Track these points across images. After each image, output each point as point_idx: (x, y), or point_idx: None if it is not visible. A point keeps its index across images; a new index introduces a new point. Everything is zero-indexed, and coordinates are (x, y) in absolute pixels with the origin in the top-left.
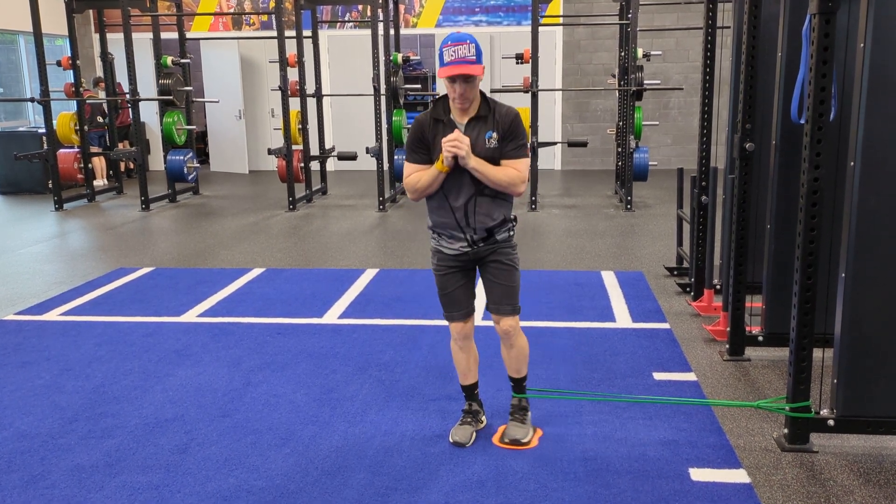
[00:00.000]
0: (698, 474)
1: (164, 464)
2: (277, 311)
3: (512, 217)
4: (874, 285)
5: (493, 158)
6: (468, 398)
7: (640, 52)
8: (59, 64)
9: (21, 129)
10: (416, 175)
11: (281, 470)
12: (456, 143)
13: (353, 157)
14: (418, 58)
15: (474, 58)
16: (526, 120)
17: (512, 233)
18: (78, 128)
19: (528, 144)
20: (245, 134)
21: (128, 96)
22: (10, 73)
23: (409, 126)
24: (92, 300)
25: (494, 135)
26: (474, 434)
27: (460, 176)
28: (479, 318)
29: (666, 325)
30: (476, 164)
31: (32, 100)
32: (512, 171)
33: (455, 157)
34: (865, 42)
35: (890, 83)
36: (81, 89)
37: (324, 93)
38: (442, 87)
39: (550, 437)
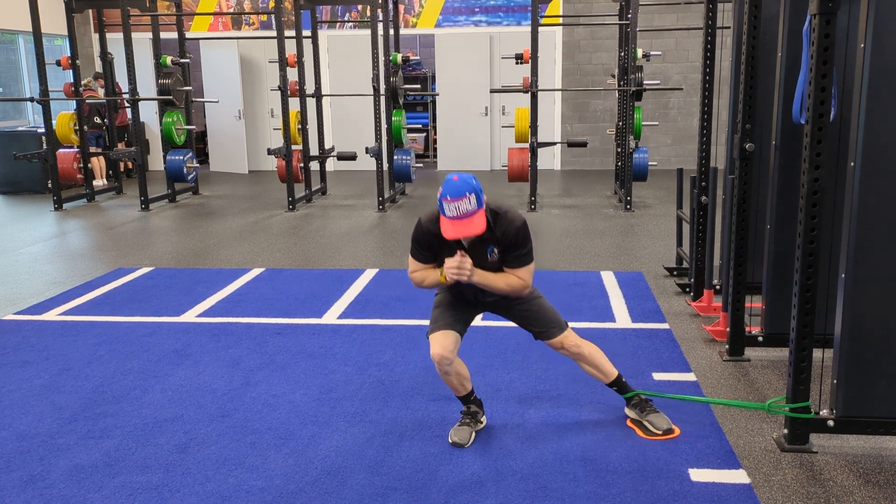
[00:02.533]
0: (698, 475)
1: (163, 464)
2: (277, 311)
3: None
4: (874, 286)
5: (498, 268)
6: (465, 403)
7: (639, 53)
8: (58, 64)
9: (20, 128)
10: (421, 274)
11: (280, 470)
12: (458, 272)
13: (352, 158)
14: (418, 58)
15: (475, 209)
16: (526, 120)
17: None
18: (77, 128)
19: (532, 250)
20: (244, 134)
21: (127, 96)
22: (9, 72)
23: (413, 234)
24: (91, 300)
25: (496, 250)
26: (473, 434)
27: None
28: (477, 319)
29: (665, 326)
30: (480, 279)
31: (32, 99)
32: (514, 280)
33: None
34: (866, 42)
35: (890, 83)
36: (81, 88)
37: (323, 93)
38: (441, 88)
39: (550, 436)
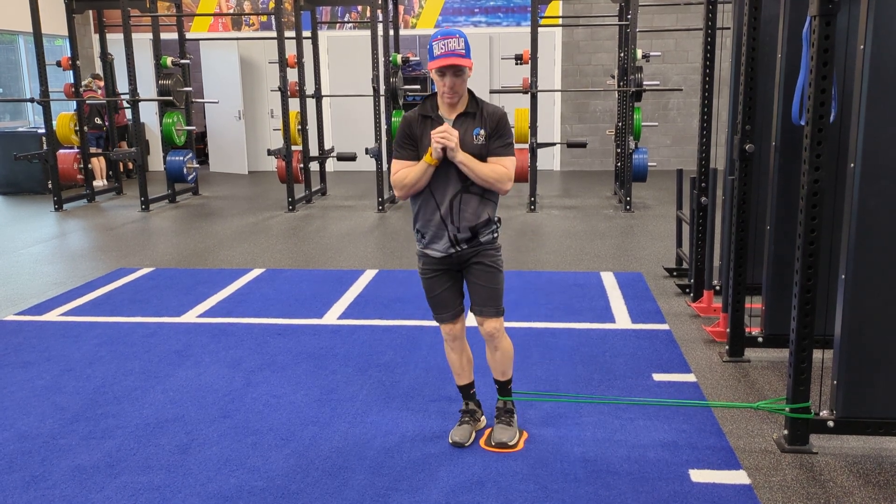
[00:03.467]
0: (698, 475)
1: (164, 464)
2: (277, 312)
3: (496, 219)
4: (874, 287)
5: (481, 156)
6: (465, 398)
7: (639, 53)
8: (58, 64)
9: (21, 129)
10: (404, 171)
11: (281, 470)
12: (445, 135)
13: (352, 158)
14: (417, 58)
15: (463, 51)
16: (525, 121)
17: (496, 234)
18: (77, 128)
19: (514, 144)
20: (244, 134)
21: (126, 97)
22: (9, 73)
23: (398, 129)
24: (92, 301)
25: (482, 132)
26: (473, 433)
27: (447, 172)
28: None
29: (665, 326)
30: (464, 159)
31: (32, 100)
32: (499, 168)
33: (444, 150)
34: (865, 44)
35: (890, 85)
36: (82, 89)
37: (323, 93)
38: None
39: (550, 438)
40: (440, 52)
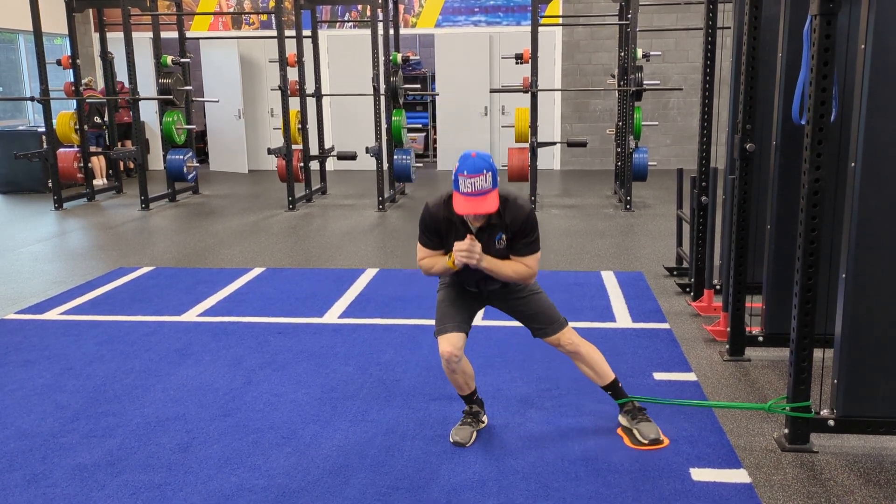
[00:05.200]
0: (699, 474)
1: (165, 463)
2: (277, 311)
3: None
4: (875, 286)
5: (505, 256)
6: (468, 403)
7: (639, 53)
8: (58, 63)
9: (21, 128)
10: (430, 261)
11: (282, 469)
12: (468, 255)
13: (352, 157)
14: (418, 58)
15: (490, 187)
16: (526, 120)
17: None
18: (78, 127)
19: (539, 238)
20: (245, 133)
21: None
22: (9, 71)
23: (421, 219)
24: (92, 299)
25: (504, 237)
26: (474, 434)
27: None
28: (478, 319)
29: (666, 326)
30: (488, 265)
31: (32, 99)
32: (521, 268)
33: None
34: (866, 43)
35: (891, 84)
36: (82, 87)
37: (323, 92)
38: (441, 87)
39: (551, 436)
40: (467, 190)
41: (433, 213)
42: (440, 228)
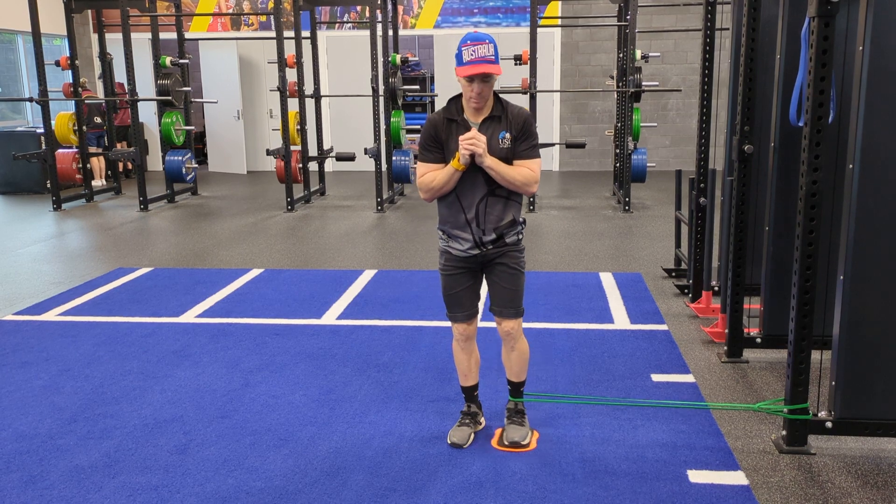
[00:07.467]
0: (696, 476)
1: (163, 464)
2: (276, 312)
3: (521, 220)
4: (873, 287)
5: (507, 159)
6: (468, 399)
7: (638, 54)
8: (57, 64)
9: (19, 128)
10: (431, 175)
11: (280, 471)
12: (474, 142)
13: (351, 158)
14: (417, 59)
15: (493, 57)
16: None
17: (521, 236)
18: (76, 128)
19: (539, 144)
20: (243, 134)
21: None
22: (8, 72)
23: (422, 126)
24: (90, 300)
25: (508, 135)
26: (472, 435)
27: (473, 176)
28: (481, 321)
29: (664, 327)
30: (492, 163)
31: (31, 99)
32: (526, 171)
33: (471, 156)
34: (864, 45)
35: (889, 86)
36: (80, 88)
37: (322, 93)
38: (440, 89)
39: (549, 438)
40: (470, 58)
41: (434, 119)
42: (440, 135)
